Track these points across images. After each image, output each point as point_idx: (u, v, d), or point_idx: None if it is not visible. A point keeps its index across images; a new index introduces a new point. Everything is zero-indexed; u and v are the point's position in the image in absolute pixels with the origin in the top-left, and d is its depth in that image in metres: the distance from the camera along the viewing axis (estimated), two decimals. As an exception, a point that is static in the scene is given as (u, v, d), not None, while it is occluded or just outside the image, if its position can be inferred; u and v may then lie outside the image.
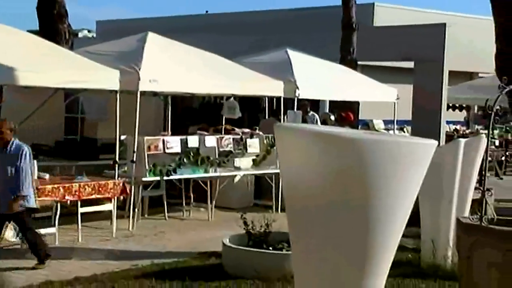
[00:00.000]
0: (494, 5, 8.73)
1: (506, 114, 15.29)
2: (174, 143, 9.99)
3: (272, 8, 26.94)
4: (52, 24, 13.18)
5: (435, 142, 4.04)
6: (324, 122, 14.47)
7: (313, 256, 4.02)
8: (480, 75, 23.65)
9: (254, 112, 14.34)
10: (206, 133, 10.93)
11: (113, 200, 8.94)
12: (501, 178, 16.42)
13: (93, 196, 8.61)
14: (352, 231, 3.93)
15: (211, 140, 10.42)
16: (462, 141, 7.91)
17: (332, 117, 14.87)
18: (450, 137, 16.43)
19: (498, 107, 5.50)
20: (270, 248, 7.00)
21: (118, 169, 9.32)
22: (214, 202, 10.61)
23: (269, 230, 7.24)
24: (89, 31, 43.05)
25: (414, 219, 8.13)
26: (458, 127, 23.50)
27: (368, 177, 3.86)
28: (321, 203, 3.94)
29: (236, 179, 10.93)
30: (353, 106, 16.73)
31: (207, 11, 32.42)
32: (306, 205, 4.02)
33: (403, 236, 8.78)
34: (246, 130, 11.65)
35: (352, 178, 3.86)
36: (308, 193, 4.00)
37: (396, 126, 16.42)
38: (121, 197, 9.24)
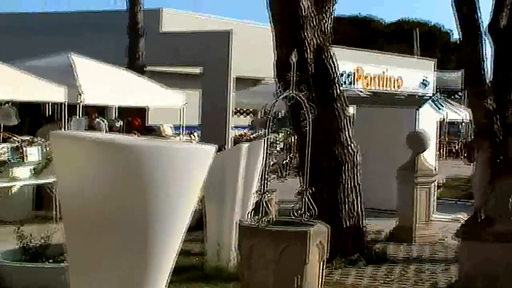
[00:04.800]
0: (273, 14, 9.09)
1: (283, 119, 16.04)
2: None
3: (56, 10, 26.05)
4: None
5: (213, 147, 4.07)
6: (110, 128, 14.26)
7: (90, 267, 3.90)
8: (264, 81, 24.60)
9: (36, 118, 13.77)
10: (-24, 141, 10.31)
11: None
12: (285, 180, 17.12)
13: None
14: (131, 239, 3.86)
15: (-18, 149, 9.80)
16: (244, 145, 8.13)
17: (119, 123, 14.70)
18: (237, 142, 16.89)
19: (276, 112, 5.72)
20: (49, 261, 6.72)
21: None
22: (-12, 216, 9.96)
23: (48, 242, 6.94)
24: None
25: (203, 224, 8.29)
26: (244, 131, 24.28)
27: (146, 184, 3.82)
28: (98, 213, 3.83)
29: (14, 189, 10.37)
30: (141, 112, 16.67)
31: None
32: (83, 215, 3.89)
33: (190, 240, 8.90)
34: (26, 137, 11.13)
35: (130, 185, 3.80)
36: (85, 203, 3.88)
37: (185, 132, 16.59)
38: None
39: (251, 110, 24.72)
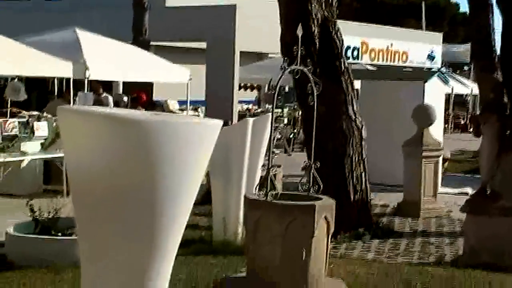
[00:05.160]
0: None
1: (287, 94, 15.98)
2: None
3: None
4: None
5: (220, 122, 4.07)
6: (116, 103, 14.29)
7: (99, 241, 3.94)
8: (269, 55, 24.51)
9: (43, 93, 13.81)
10: (-15, 116, 10.36)
11: None
12: (290, 155, 17.17)
13: None
14: (139, 214, 3.89)
15: (-9, 124, 9.86)
16: (250, 120, 8.13)
17: (125, 98, 14.72)
18: (242, 116, 16.90)
19: (281, 87, 5.70)
20: (59, 234, 6.82)
21: None
22: (-2, 189, 10.05)
23: (58, 215, 7.04)
24: None
25: (209, 198, 8.33)
26: (250, 106, 24.28)
27: (154, 159, 3.84)
28: (106, 188, 3.85)
29: (23, 164, 10.46)
30: (146, 87, 16.66)
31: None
32: (91, 190, 3.91)
33: (197, 214, 8.93)
34: (34, 112, 11.19)
35: (138, 160, 3.82)
36: (93, 178, 3.90)
37: (190, 106, 16.60)
38: None
39: (256, 84, 24.67)
